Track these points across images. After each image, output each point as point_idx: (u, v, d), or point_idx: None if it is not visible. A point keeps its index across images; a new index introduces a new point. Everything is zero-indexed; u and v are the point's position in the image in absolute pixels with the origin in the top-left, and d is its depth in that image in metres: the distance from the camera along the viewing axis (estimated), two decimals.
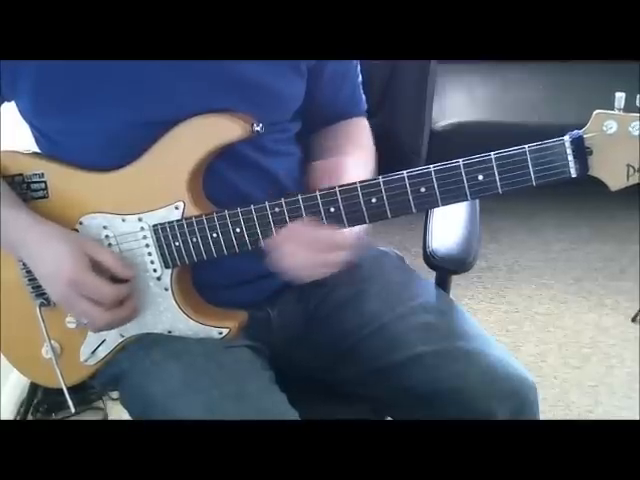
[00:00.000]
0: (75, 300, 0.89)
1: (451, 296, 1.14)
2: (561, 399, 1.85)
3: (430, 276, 1.13)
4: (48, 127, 0.93)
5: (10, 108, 0.97)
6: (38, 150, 0.98)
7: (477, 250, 1.15)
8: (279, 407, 0.92)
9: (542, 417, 1.05)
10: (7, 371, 1.66)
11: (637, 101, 0.77)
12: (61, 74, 0.87)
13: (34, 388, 1.75)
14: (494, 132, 2.24)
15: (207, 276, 0.97)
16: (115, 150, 0.91)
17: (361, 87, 1.09)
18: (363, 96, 1.11)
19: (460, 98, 2.45)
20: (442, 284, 1.16)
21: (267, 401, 0.92)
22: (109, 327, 0.93)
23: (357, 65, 1.07)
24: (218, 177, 0.93)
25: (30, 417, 1.74)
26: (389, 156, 1.06)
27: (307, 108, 1.02)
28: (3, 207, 0.91)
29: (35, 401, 1.74)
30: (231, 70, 0.89)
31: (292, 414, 0.91)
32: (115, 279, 0.90)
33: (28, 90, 0.88)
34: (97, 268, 0.89)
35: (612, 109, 0.79)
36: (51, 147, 0.95)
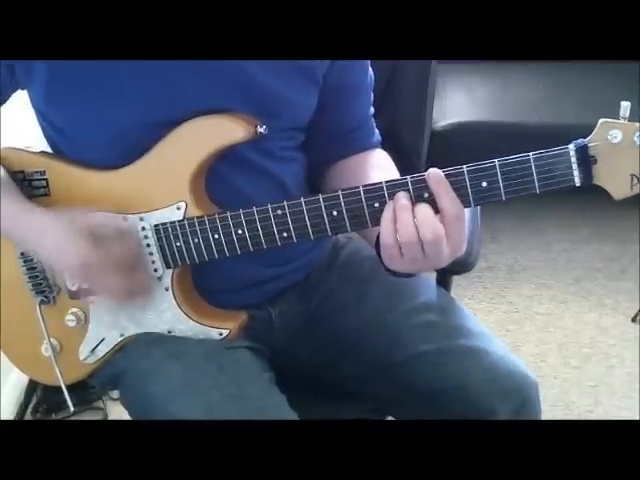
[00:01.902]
0: (89, 278, 0.89)
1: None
2: (561, 399, 1.85)
3: (431, 276, 1.13)
4: (58, 118, 0.92)
5: (10, 107, 0.98)
6: (41, 147, 0.98)
7: (478, 250, 1.15)
8: (278, 409, 0.92)
9: (542, 417, 1.05)
10: (7, 371, 1.66)
11: None
12: (76, 64, 0.86)
13: (32, 388, 1.75)
14: (494, 132, 2.24)
15: (210, 280, 0.97)
16: (122, 148, 0.90)
17: (374, 121, 1.08)
18: (377, 130, 1.09)
19: (460, 98, 2.45)
20: (443, 284, 1.16)
21: (266, 402, 0.91)
22: (127, 297, 0.91)
23: (370, 91, 1.05)
24: (224, 180, 0.93)
25: (30, 417, 1.74)
26: (389, 156, 1.06)
27: (322, 130, 1.01)
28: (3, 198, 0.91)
29: (35, 401, 1.74)
30: (244, 75, 0.89)
31: (291, 416, 0.91)
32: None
33: (43, 77, 0.87)
34: (97, 236, 0.87)
35: (612, 109, 0.78)
36: (59, 140, 0.95)
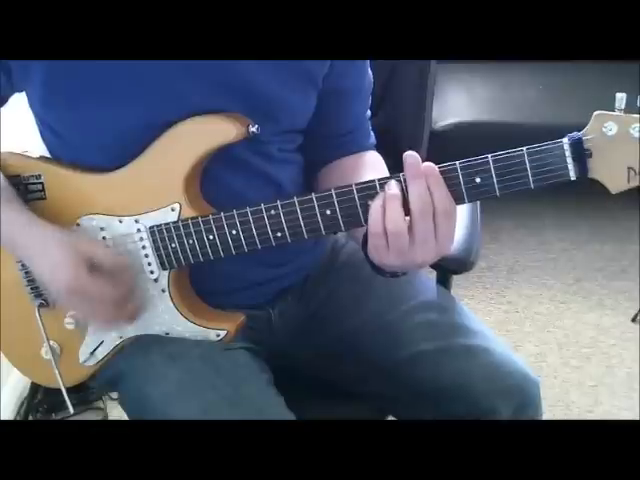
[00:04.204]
0: (77, 304, 0.88)
1: None
2: (561, 399, 1.85)
3: (431, 276, 1.13)
4: (55, 121, 0.92)
5: (9, 110, 0.97)
6: (39, 150, 0.98)
7: (478, 250, 1.15)
8: (276, 410, 0.91)
9: (542, 417, 1.05)
10: (7, 371, 1.66)
11: (638, 102, 0.76)
12: (73, 67, 0.85)
13: (35, 388, 1.75)
14: (494, 132, 2.24)
15: (209, 281, 0.96)
16: (120, 150, 0.90)
17: (369, 123, 1.08)
18: (372, 132, 1.09)
19: (460, 98, 2.45)
20: (443, 284, 1.16)
21: (264, 404, 0.91)
22: (112, 325, 0.93)
23: (368, 94, 1.05)
24: (223, 183, 0.93)
25: (30, 417, 1.74)
26: (389, 156, 1.06)
27: (318, 132, 1.01)
28: (3, 206, 0.91)
29: (35, 401, 1.74)
30: (243, 78, 0.89)
31: (289, 417, 0.91)
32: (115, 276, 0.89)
33: (39, 79, 0.87)
34: (96, 267, 0.87)
35: (612, 109, 0.77)
36: (56, 142, 0.95)
